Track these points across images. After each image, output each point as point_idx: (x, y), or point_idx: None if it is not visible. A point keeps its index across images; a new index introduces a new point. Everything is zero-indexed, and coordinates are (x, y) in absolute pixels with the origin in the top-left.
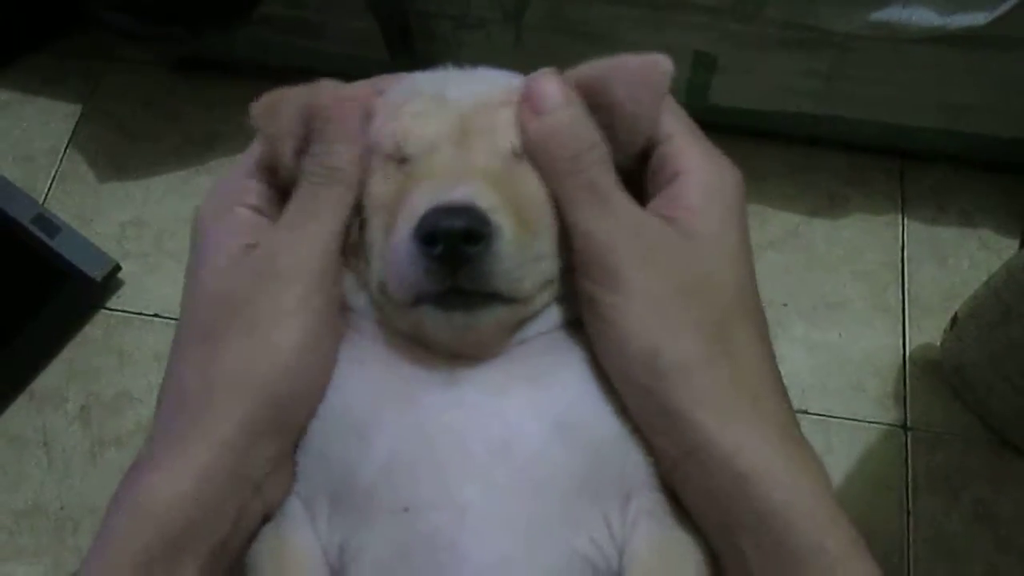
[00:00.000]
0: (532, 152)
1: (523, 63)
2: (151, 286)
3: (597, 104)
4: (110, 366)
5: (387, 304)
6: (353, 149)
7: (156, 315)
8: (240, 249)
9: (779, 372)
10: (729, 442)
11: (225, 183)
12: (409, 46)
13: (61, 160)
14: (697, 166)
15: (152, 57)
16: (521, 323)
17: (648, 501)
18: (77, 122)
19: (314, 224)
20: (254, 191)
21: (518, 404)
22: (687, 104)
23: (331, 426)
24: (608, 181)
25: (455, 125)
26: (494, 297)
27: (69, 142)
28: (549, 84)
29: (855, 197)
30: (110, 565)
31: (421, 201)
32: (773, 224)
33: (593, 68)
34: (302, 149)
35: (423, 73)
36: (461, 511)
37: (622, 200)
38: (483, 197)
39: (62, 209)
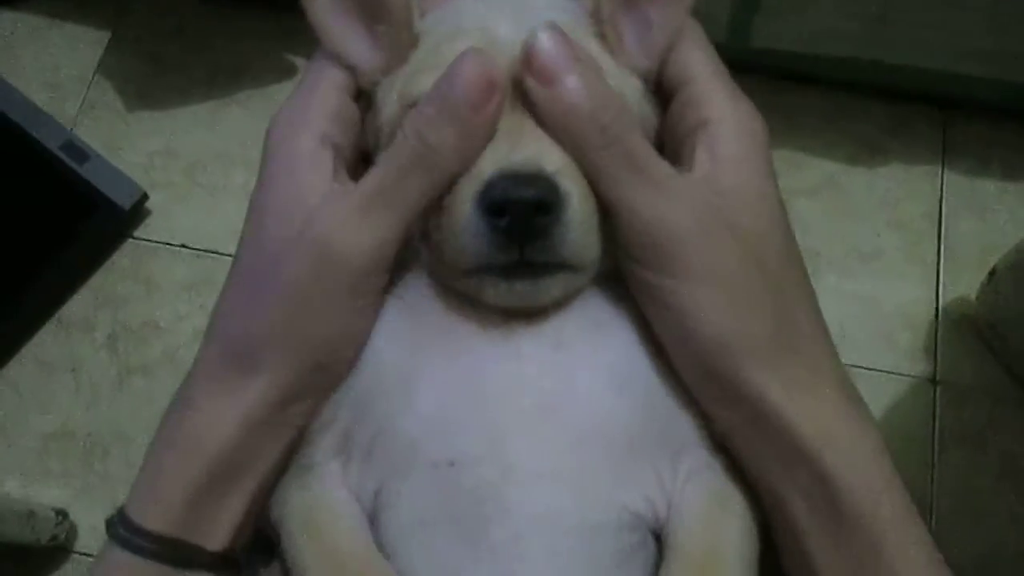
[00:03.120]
0: (551, 125)
1: None
2: (179, 216)
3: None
4: (137, 295)
5: (440, 265)
6: (469, 143)
7: (184, 245)
8: (299, 199)
9: (825, 324)
10: (792, 411)
11: (300, 93)
12: None
13: (89, 88)
14: (727, 114)
15: None
16: (583, 286)
17: (699, 458)
18: (105, 49)
19: (387, 214)
20: (326, 110)
21: (571, 357)
22: (728, 45)
23: (376, 375)
24: (644, 148)
25: (508, 74)
26: (559, 266)
27: (97, 69)
28: (550, 46)
29: (895, 146)
30: (161, 498)
31: (485, 165)
32: (809, 171)
33: None
34: (346, 13)
35: None
36: (509, 465)
37: (662, 168)
38: (550, 160)
39: (90, 137)
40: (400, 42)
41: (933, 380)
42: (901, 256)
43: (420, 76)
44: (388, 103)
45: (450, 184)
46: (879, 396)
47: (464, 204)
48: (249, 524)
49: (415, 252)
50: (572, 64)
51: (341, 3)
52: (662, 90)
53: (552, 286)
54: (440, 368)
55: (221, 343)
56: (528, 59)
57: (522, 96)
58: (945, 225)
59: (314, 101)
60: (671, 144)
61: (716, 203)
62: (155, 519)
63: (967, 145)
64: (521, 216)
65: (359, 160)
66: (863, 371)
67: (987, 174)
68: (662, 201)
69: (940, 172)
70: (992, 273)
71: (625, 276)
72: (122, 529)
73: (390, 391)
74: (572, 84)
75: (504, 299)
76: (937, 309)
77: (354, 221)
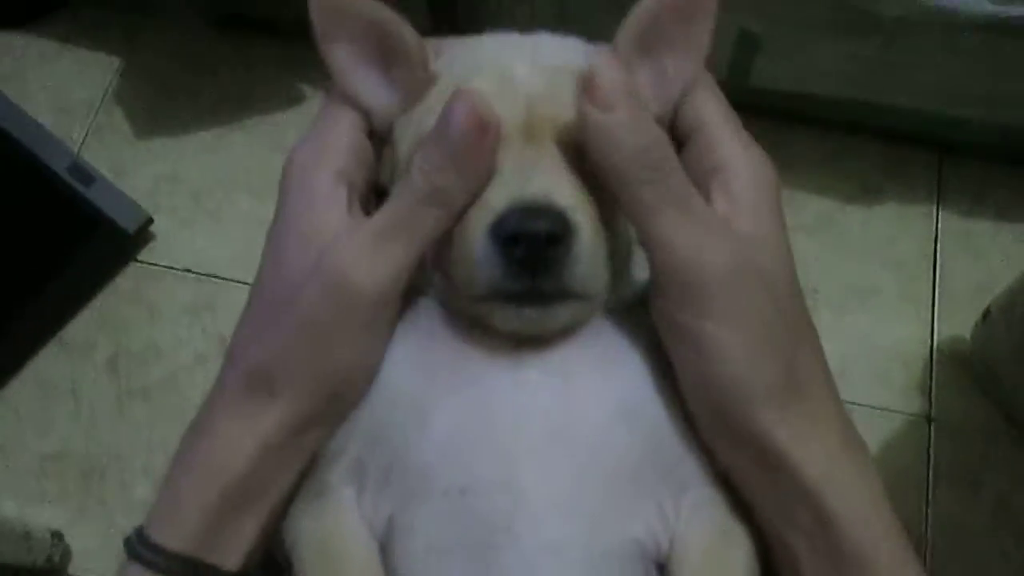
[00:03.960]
0: (595, 152)
1: (566, 34)
2: (183, 241)
3: (650, 45)
4: (140, 318)
5: (450, 291)
6: (473, 181)
7: (188, 270)
8: (316, 233)
9: (827, 366)
10: (798, 454)
11: (317, 128)
12: (453, 13)
13: (97, 112)
14: (740, 160)
15: (193, 12)
16: (590, 315)
17: (703, 494)
18: (115, 75)
19: (400, 247)
20: (343, 146)
21: (581, 388)
22: (727, 84)
23: (389, 404)
24: (686, 186)
25: (523, 111)
26: (568, 295)
27: (106, 94)
28: (611, 74)
29: (891, 186)
30: (179, 519)
31: (498, 197)
32: (807, 210)
33: (640, 10)
34: (364, 60)
35: (483, 39)
36: (519, 494)
37: (702, 206)
38: (561, 195)
39: (96, 161)
40: (416, 82)
41: (928, 418)
42: (896, 294)
43: (436, 114)
44: (405, 139)
45: (459, 216)
46: (874, 433)
47: (477, 234)
48: (263, 545)
49: (426, 280)
50: (628, 97)
51: (358, 48)
52: (675, 135)
53: (560, 314)
54: (452, 397)
55: (240, 369)
56: (588, 84)
57: (535, 133)
58: (940, 265)
59: (331, 137)
60: None
61: (743, 246)
62: (173, 539)
63: (962, 186)
64: (533, 247)
65: (373, 195)
66: (858, 407)
67: (981, 215)
68: (701, 240)
69: (935, 212)
70: (986, 313)
71: (652, 311)
72: (141, 548)
73: (404, 420)
74: (625, 115)
75: (514, 325)
76: (932, 347)
77: (368, 254)
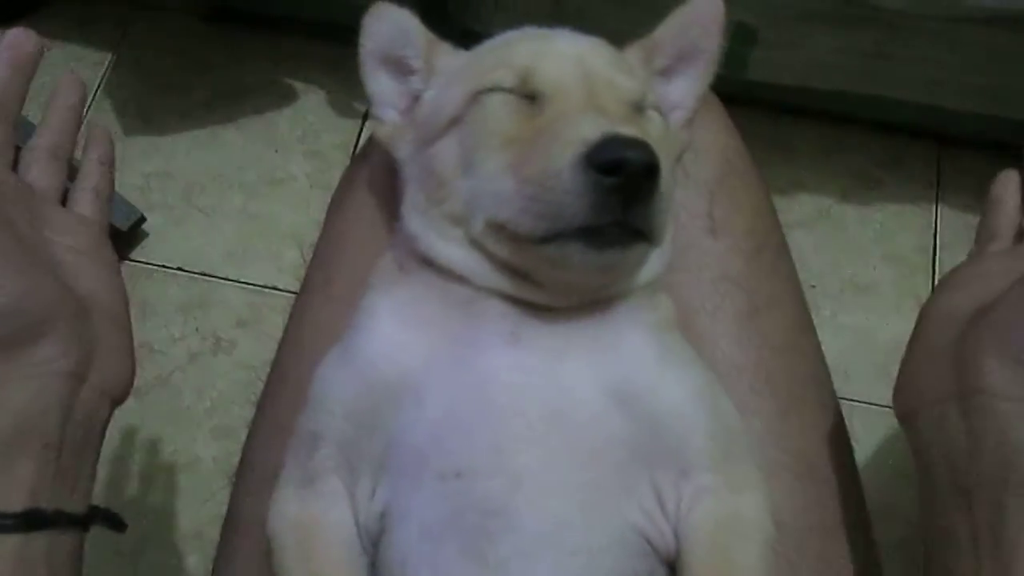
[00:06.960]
0: None
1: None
2: (176, 239)
3: (680, 53)
4: (132, 317)
5: (497, 243)
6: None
7: (180, 268)
8: None
9: None
10: None
11: None
12: (443, 6)
13: (88, 108)
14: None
15: (184, 6)
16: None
17: (706, 480)
18: (106, 70)
19: None
20: None
21: (577, 369)
22: (725, 77)
23: (382, 385)
24: None
25: (578, 70)
26: (640, 235)
27: (97, 90)
28: None
29: (889, 180)
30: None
31: (589, 131)
32: (804, 204)
33: (669, 24)
34: (393, 80)
35: (518, 32)
36: (515, 478)
37: None
38: (644, 136)
39: None
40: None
41: None
42: (895, 289)
43: (497, 71)
44: (450, 98)
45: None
46: (875, 430)
47: (568, 165)
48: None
49: (415, 256)
50: None
51: (390, 72)
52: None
53: (633, 255)
54: (447, 379)
55: None
56: None
57: (599, 99)
58: (939, 259)
59: None
60: None
61: None
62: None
63: (960, 179)
64: (633, 175)
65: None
66: (858, 404)
67: (980, 209)
68: None
69: (934, 206)
70: None
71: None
72: None
73: (398, 402)
74: None
75: (588, 266)
76: None
77: None
